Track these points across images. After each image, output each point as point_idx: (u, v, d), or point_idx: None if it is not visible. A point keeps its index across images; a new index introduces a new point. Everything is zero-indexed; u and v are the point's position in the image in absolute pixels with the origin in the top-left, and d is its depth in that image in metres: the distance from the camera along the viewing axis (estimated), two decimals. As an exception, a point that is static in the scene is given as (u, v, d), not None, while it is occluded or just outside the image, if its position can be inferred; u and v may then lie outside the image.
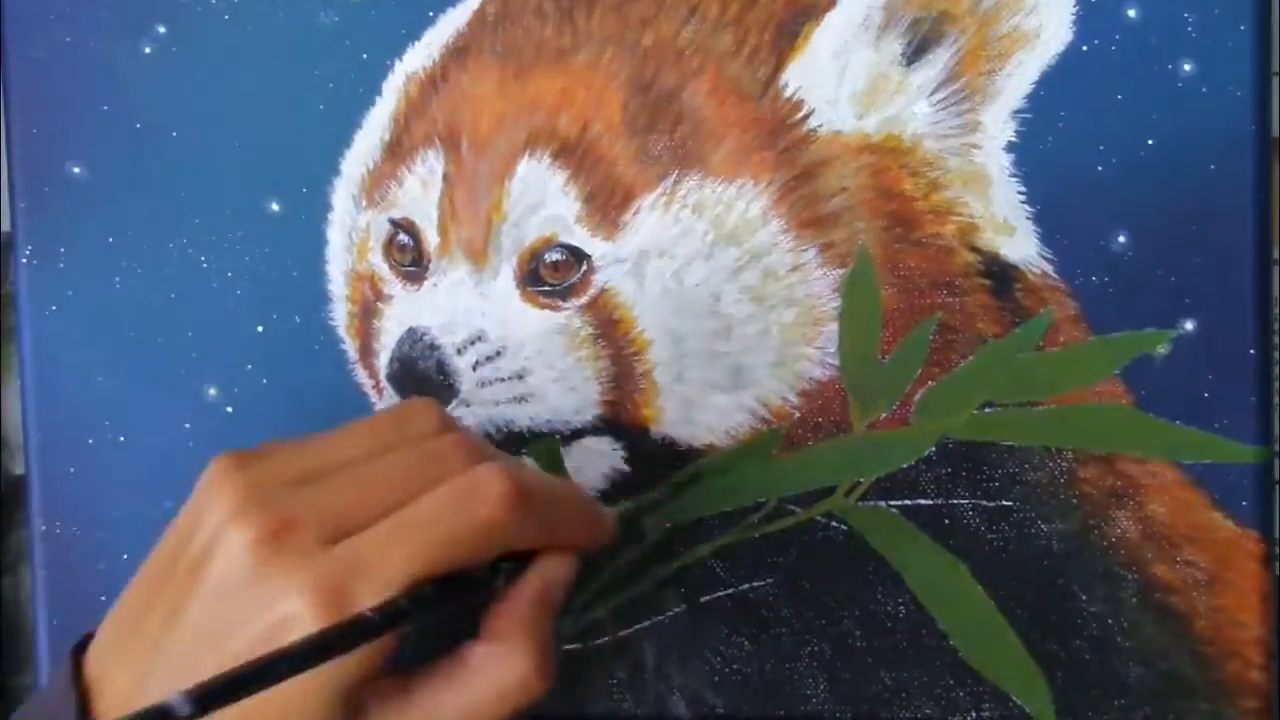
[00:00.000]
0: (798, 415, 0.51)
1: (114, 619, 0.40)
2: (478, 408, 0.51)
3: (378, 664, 0.37)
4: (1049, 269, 0.50)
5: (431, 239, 0.51)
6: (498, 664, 0.39)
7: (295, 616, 0.35)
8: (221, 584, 0.37)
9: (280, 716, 0.36)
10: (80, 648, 0.40)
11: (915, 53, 0.49)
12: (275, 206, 0.52)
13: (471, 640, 0.40)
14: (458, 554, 0.38)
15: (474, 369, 0.51)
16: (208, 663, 0.36)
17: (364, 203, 0.52)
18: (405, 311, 0.52)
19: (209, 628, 0.37)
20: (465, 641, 0.40)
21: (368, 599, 0.36)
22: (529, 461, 0.51)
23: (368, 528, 0.37)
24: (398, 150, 0.51)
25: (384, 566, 0.36)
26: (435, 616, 0.38)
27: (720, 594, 0.51)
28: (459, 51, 0.51)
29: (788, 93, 0.49)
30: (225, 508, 0.37)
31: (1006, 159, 0.50)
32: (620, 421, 0.51)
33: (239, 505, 0.37)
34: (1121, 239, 0.50)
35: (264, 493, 0.38)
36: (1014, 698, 0.50)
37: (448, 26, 0.51)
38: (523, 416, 0.51)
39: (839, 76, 0.49)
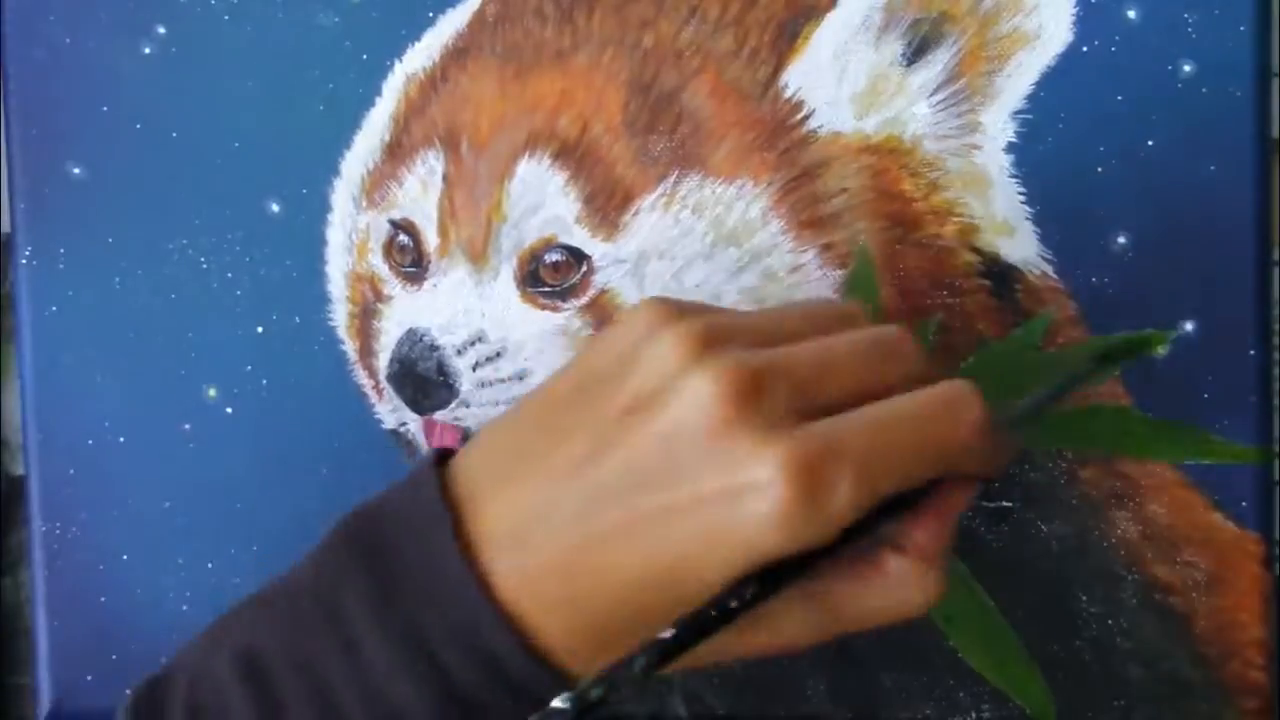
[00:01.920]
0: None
1: (499, 435, 0.37)
2: (478, 408, 0.51)
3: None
4: (1049, 269, 0.50)
5: (431, 240, 0.51)
6: (915, 581, 0.37)
7: (765, 485, 0.32)
8: (675, 432, 0.33)
9: (679, 582, 0.34)
10: (440, 461, 0.37)
11: (915, 54, 0.49)
12: (275, 207, 0.52)
13: (887, 546, 0.37)
14: (930, 469, 0.35)
15: (474, 370, 0.51)
16: (640, 507, 0.33)
17: (364, 203, 0.52)
18: (405, 312, 0.52)
19: (647, 472, 0.33)
20: (876, 545, 0.37)
21: (844, 490, 0.33)
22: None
23: (838, 411, 0.34)
24: (397, 151, 0.51)
25: (866, 462, 0.33)
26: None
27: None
28: (459, 52, 0.51)
29: (788, 94, 0.49)
30: (683, 352, 0.34)
31: (1006, 160, 0.50)
32: (620, 422, 0.51)
33: (700, 352, 0.34)
34: (1121, 239, 0.50)
35: (726, 346, 0.34)
36: (1014, 698, 0.50)
37: (448, 27, 0.51)
38: (523, 417, 0.51)
39: (839, 77, 0.49)
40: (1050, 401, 0.43)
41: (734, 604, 0.33)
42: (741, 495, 0.32)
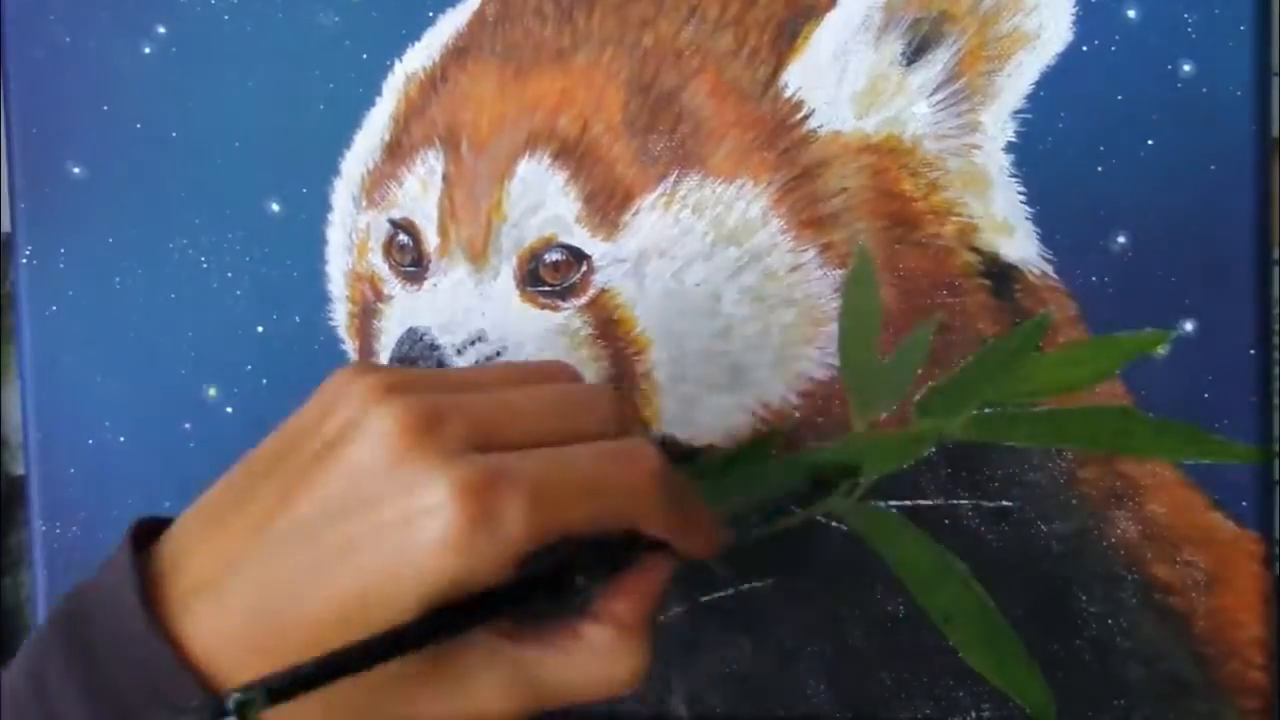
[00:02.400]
0: (798, 415, 0.51)
1: (202, 506, 0.38)
2: (478, 408, 0.51)
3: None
4: (1049, 269, 0.50)
5: (431, 239, 0.51)
6: (616, 651, 0.38)
7: (437, 508, 0.33)
8: (354, 469, 0.35)
9: (374, 612, 0.34)
10: (141, 531, 0.38)
11: (915, 53, 0.49)
12: (275, 207, 0.52)
13: (585, 616, 0.39)
14: (601, 510, 0.36)
15: (474, 369, 0.51)
16: (325, 543, 0.34)
17: (364, 203, 0.52)
18: (405, 311, 0.52)
19: (329, 510, 0.35)
20: (576, 615, 0.39)
21: (514, 515, 0.34)
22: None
23: (518, 450, 0.35)
24: (397, 150, 0.51)
25: (536, 490, 0.34)
26: (516, 611, 0.36)
27: (720, 594, 0.51)
28: (459, 52, 0.51)
29: (788, 93, 0.49)
30: (367, 396, 0.35)
31: (1006, 159, 0.50)
32: (620, 422, 0.51)
33: (382, 396, 0.35)
34: (1121, 239, 0.50)
35: (409, 389, 0.36)
36: (1014, 698, 0.50)
37: (448, 27, 0.51)
38: (523, 417, 0.51)
39: (839, 77, 0.49)
40: (761, 517, 0.47)
41: (392, 640, 0.34)
42: (415, 520, 0.34)
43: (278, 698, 0.32)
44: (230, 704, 0.31)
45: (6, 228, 0.54)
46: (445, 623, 0.34)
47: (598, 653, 0.38)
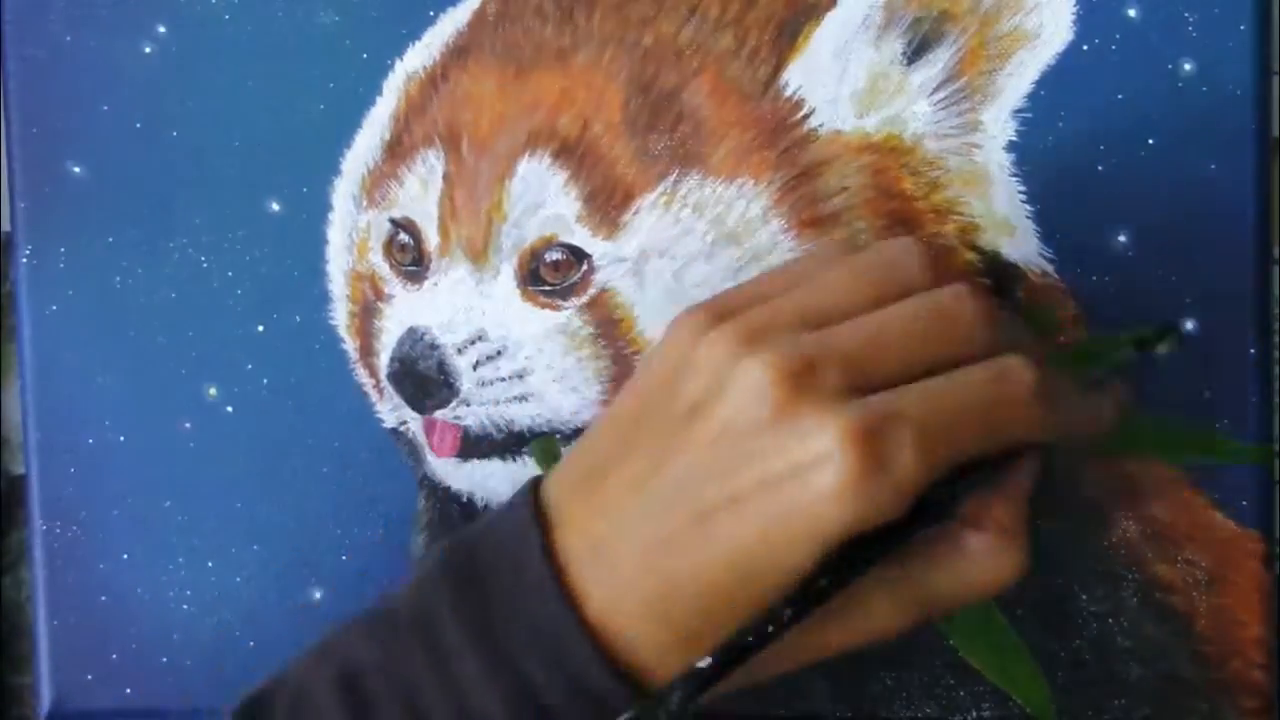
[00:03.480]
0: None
1: (573, 463, 0.38)
2: (478, 407, 0.51)
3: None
4: (1049, 268, 0.50)
5: (432, 239, 0.51)
6: (998, 556, 0.38)
7: (827, 456, 0.33)
8: (734, 424, 0.34)
9: (760, 575, 0.34)
10: (534, 486, 0.38)
11: (915, 52, 0.49)
12: (275, 206, 0.52)
13: (965, 525, 0.38)
14: (989, 437, 0.35)
15: (474, 368, 0.51)
16: (710, 500, 0.34)
17: (364, 202, 0.52)
18: (406, 311, 0.52)
19: (711, 469, 0.34)
20: (956, 525, 0.38)
21: (907, 456, 0.33)
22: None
23: (893, 386, 0.35)
24: (398, 150, 0.51)
25: (925, 427, 0.34)
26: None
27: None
28: (459, 51, 0.51)
29: (788, 92, 0.49)
30: (730, 349, 0.35)
31: (1007, 158, 0.50)
32: (620, 421, 0.51)
33: (745, 346, 0.35)
34: (1122, 238, 0.50)
35: (770, 335, 0.35)
36: (1014, 697, 0.50)
37: (448, 26, 0.51)
38: (523, 416, 0.51)
39: (839, 76, 0.49)
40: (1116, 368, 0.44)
41: (787, 613, 0.34)
42: (806, 471, 0.33)
43: (700, 690, 0.33)
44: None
45: (6, 227, 0.54)
46: (845, 572, 0.34)
47: (981, 559, 0.38)
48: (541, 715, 0.35)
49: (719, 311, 0.36)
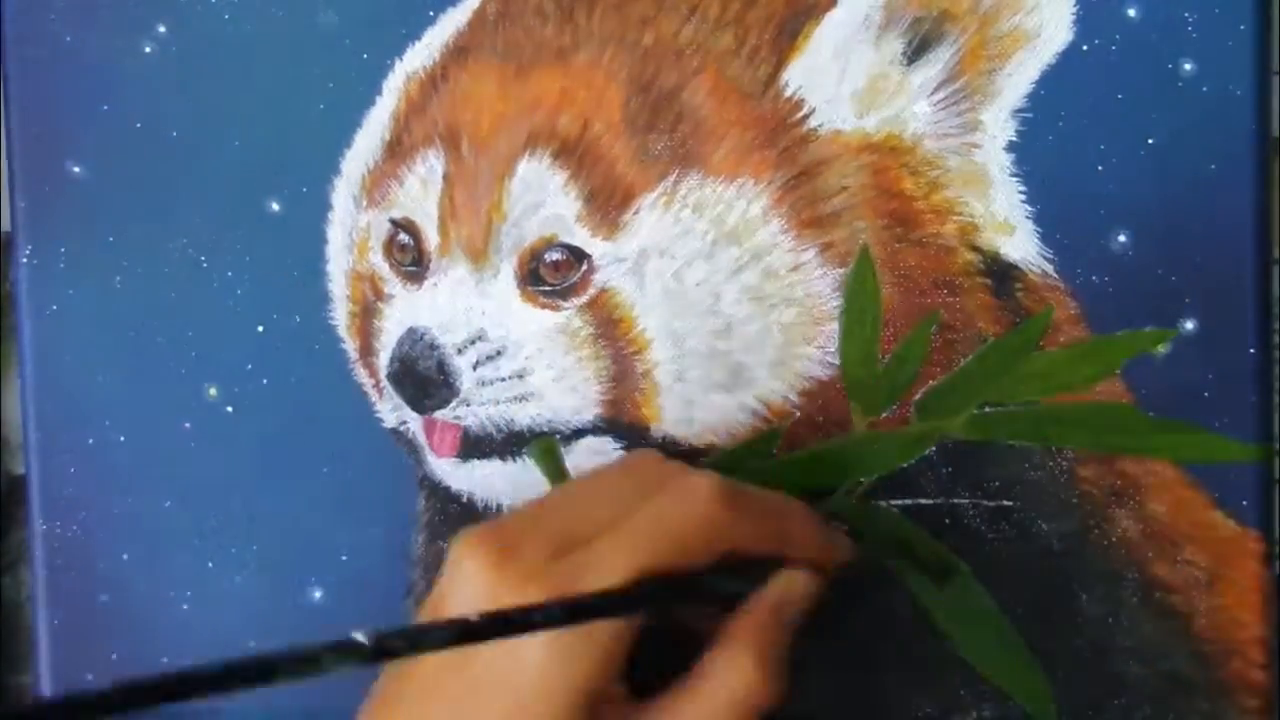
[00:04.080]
0: (798, 415, 0.51)
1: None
2: (478, 407, 0.51)
3: (610, 673, 0.39)
4: (1049, 268, 0.50)
5: (432, 239, 0.51)
6: (729, 669, 0.40)
7: (534, 643, 0.37)
8: (462, 609, 0.38)
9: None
10: None
11: (915, 52, 0.49)
12: (275, 206, 0.52)
13: (709, 652, 0.41)
14: (676, 549, 0.40)
15: (474, 368, 0.51)
16: (454, 689, 0.38)
17: (364, 202, 0.52)
18: (405, 311, 0.52)
19: (453, 658, 0.38)
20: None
21: (603, 576, 0.38)
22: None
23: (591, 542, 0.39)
24: (398, 150, 0.51)
25: (609, 568, 0.38)
26: (655, 606, 0.39)
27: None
28: (459, 51, 0.51)
29: (788, 92, 0.49)
30: (456, 553, 0.40)
31: (1007, 158, 0.50)
32: (621, 421, 0.51)
33: (467, 545, 0.40)
34: (1122, 238, 0.50)
35: (491, 531, 0.40)
36: (1014, 697, 0.50)
37: (448, 26, 0.51)
38: (523, 416, 0.51)
39: (839, 76, 0.49)
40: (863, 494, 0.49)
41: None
42: (518, 646, 0.37)
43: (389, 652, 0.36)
44: (392, 645, 0.35)
45: (7, 227, 0.54)
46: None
47: (717, 677, 0.41)
48: None
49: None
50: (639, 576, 0.38)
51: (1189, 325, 0.50)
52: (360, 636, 0.34)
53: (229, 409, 0.53)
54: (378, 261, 0.52)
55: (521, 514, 0.43)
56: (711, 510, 0.40)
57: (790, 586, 0.43)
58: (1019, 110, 0.49)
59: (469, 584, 0.39)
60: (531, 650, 0.37)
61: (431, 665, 0.39)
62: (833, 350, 0.50)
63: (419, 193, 0.51)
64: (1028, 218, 0.50)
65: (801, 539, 0.44)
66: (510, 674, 0.38)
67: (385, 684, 0.41)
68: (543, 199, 0.50)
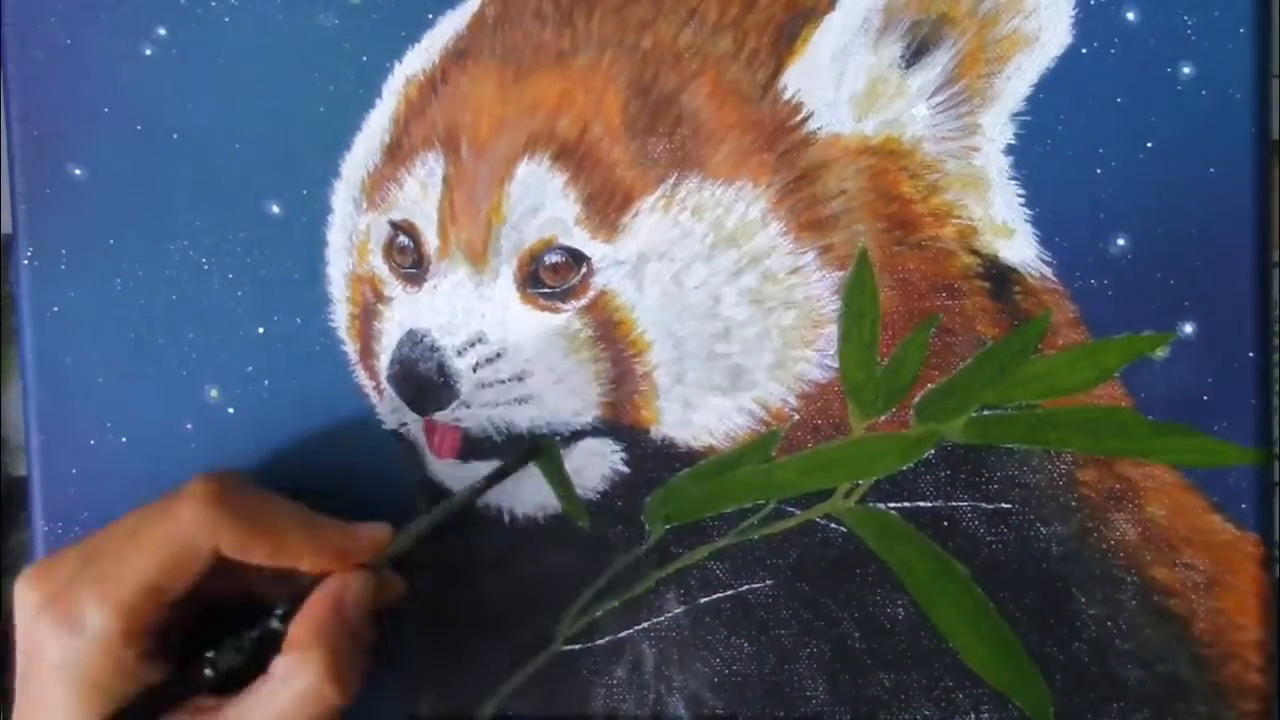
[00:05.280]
0: (797, 417, 0.51)
1: None
2: (478, 409, 0.51)
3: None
4: (1048, 271, 0.50)
5: (431, 241, 0.51)
6: (294, 672, 0.43)
7: (44, 638, 0.42)
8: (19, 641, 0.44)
9: None
10: None
11: (914, 55, 0.49)
12: (275, 208, 0.52)
13: (279, 655, 0.44)
14: (165, 556, 0.43)
15: (474, 371, 0.51)
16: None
17: (364, 205, 0.52)
18: (405, 313, 0.52)
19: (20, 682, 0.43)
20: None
21: (90, 602, 0.42)
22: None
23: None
24: (397, 152, 0.51)
25: (100, 574, 0.42)
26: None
27: (719, 595, 0.51)
28: (459, 54, 0.51)
29: (787, 95, 0.49)
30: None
31: (1005, 161, 0.50)
32: (620, 423, 0.51)
33: (20, 583, 0.44)
34: (1121, 242, 0.50)
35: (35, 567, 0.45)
36: (1013, 700, 0.50)
37: (447, 29, 0.51)
38: (523, 418, 0.51)
39: (838, 79, 0.49)
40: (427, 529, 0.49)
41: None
42: (39, 646, 0.42)
43: None
44: None
45: (8, 229, 0.54)
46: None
47: (284, 680, 0.43)
48: None
49: None
50: (129, 589, 0.42)
51: (1188, 329, 0.50)
52: None
53: (230, 410, 0.53)
54: (378, 264, 0.52)
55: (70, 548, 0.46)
56: (199, 511, 0.43)
57: (343, 587, 0.45)
58: (1018, 114, 0.49)
59: (23, 609, 0.43)
60: (50, 667, 0.42)
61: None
62: (831, 353, 0.50)
63: (419, 195, 0.51)
64: (1027, 221, 0.50)
65: (301, 547, 0.45)
66: (40, 699, 0.42)
67: None
68: (542, 202, 0.50)
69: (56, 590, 0.42)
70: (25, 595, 0.43)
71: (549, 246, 0.50)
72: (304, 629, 0.44)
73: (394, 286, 0.52)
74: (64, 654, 0.42)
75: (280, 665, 0.43)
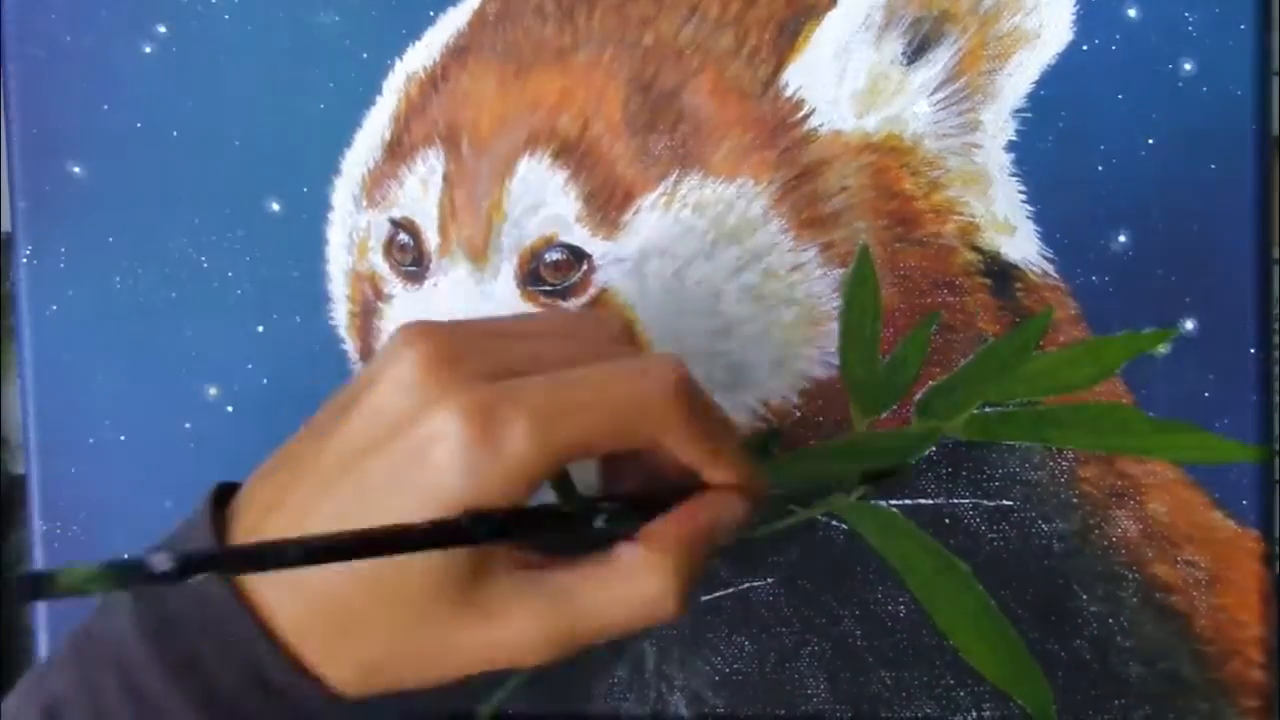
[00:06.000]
0: (798, 414, 0.51)
1: (264, 465, 0.40)
2: (478, 407, 0.51)
3: (513, 500, 0.36)
4: (1049, 268, 0.50)
5: (432, 239, 0.51)
6: (646, 571, 0.38)
7: (445, 433, 0.35)
8: (376, 407, 0.36)
9: (399, 564, 0.35)
10: (222, 492, 0.40)
11: (916, 52, 0.49)
12: (275, 206, 0.52)
13: (627, 541, 0.38)
14: (614, 425, 0.36)
15: (474, 368, 0.51)
16: (348, 480, 0.36)
17: (364, 202, 0.52)
18: (406, 311, 0.52)
19: (355, 448, 0.36)
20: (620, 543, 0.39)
21: (519, 434, 0.35)
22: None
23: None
24: (398, 150, 0.51)
25: (540, 410, 0.35)
26: (525, 537, 0.37)
27: (721, 593, 0.51)
28: (459, 51, 0.51)
29: (788, 92, 0.49)
30: (397, 341, 0.37)
31: (1007, 158, 0.50)
32: (621, 421, 0.51)
33: (412, 339, 0.37)
34: (1122, 238, 0.50)
35: (438, 332, 0.37)
36: (1014, 697, 0.50)
37: (448, 26, 0.51)
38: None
39: (839, 76, 0.49)
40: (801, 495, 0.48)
41: (384, 536, 0.34)
42: (428, 447, 0.35)
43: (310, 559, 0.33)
44: (191, 564, 0.32)
45: (7, 227, 0.54)
46: (447, 533, 0.35)
47: (628, 573, 0.38)
48: (231, 715, 0.36)
49: (426, 323, 0.39)
50: (555, 453, 0.35)
51: (1189, 325, 0.50)
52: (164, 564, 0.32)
53: (229, 409, 0.53)
54: (378, 261, 0.52)
55: (472, 326, 0.40)
56: (667, 401, 0.37)
57: (726, 507, 0.40)
58: (1019, 110, 0.49)
59: (401, 372, 0.36)
60: (438, 460, 0.35)
61: (330, 457, 0.37)
62: (833, 350, 0.50)
63: (419, 193, 0.51)
64: (1028, 218, 0.50)
65: (732, 466, 0.40)
66: (408, 479, 0.35)
67: (281, 460, 0.39)
68: (543, 199, 0.50)
69: (487, 396, 0.35)
70: (434, 369, 0.36)
71: (550, 244, 0.50)
72: (674, 530, 0.38)
73: (394, 284, 0.52)
74: (460, 463, 0.34)
75: (631, 555, 0.38)
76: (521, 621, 0.37)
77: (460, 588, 0.36)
